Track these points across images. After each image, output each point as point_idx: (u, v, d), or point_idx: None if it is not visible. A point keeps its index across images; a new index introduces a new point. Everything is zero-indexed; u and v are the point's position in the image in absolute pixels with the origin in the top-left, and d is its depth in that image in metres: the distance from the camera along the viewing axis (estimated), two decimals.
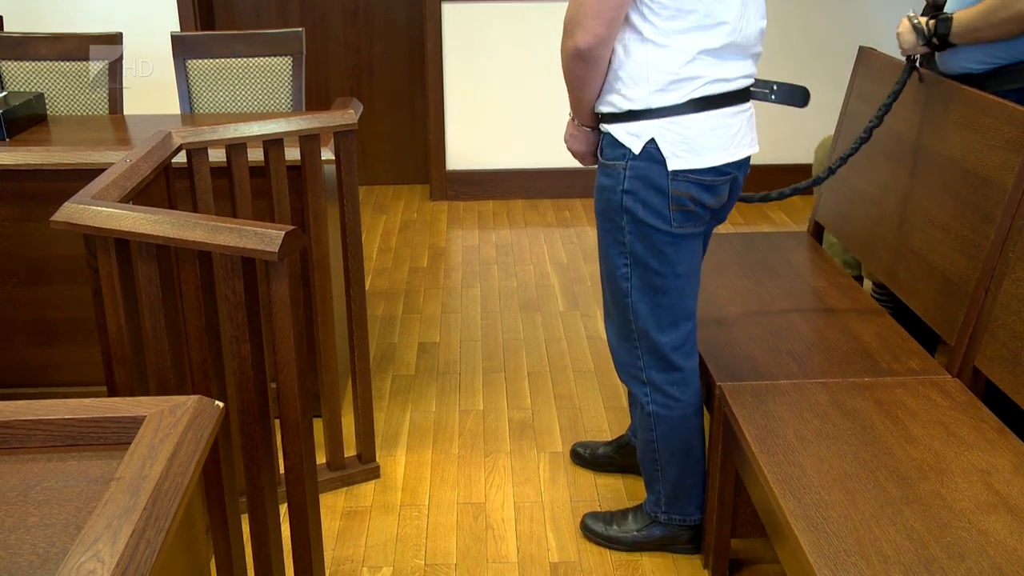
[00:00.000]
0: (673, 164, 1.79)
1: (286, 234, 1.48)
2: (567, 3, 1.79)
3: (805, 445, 1.70)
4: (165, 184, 2.11)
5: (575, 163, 4.16)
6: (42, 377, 2.67)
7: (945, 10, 2.16)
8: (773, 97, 1.90)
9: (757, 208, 4.37)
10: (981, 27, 2.06)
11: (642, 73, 1.77)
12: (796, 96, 1.92)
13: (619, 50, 1.79)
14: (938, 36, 2.13)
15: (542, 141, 4.45)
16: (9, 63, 3.19)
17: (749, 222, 4.21)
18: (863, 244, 2.40)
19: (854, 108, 2.57)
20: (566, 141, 2.03)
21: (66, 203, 1.65)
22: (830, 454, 1.67)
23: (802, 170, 4.50)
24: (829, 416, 1.79)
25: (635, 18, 1.75)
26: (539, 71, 4.39)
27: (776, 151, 4.52)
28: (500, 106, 4.46)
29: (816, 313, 2.23)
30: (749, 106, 1.87)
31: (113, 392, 1.67)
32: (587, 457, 2.51)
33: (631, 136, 1.81)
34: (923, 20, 2.17)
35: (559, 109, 4.35)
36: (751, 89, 1.87)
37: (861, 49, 2.57)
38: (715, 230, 2.16)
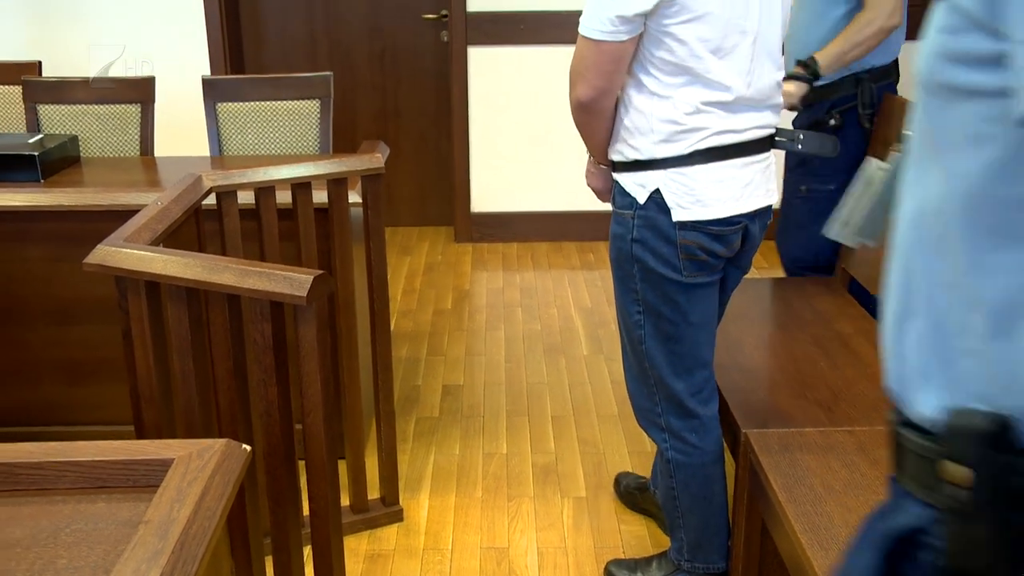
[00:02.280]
0: (678, 215, 1.78)
1: (314, 279, 1.49)
2: None
3: (832, 495, 1.68)
4: (195, 226, 2.14)
5: (599, 206, 4.19)
6: (70, 416, 2.69)
7: (799, 36, 2.46)
8: (800, 147, 1.89)
9: None
10: (848, 50, 2.37)
11: (646, 124, 1.78)
12: (824, 145, 1.92)
13: (624, 101, 1.81)
14: (812, 77, 2.38)
15: (566, 184, 4.47)
16: (46, 106, 3.25)
17: (774, 266, 4.19)
18: None
19: (879, 158, 2.57)
20: (585, 177, 2.06)
21: (99, 246, 1.68)
22: (858, 504, 1.65)
23: None
24: (857, 465, 1.77)
25: (638, 70, 1.77)
26: (564, 114, 4.41)
27: None
28: (525, 148, 4.49)
29: (843, 360, 2.21)
30: (766, 156, 1.84)
31: (141, 433, 1.68)
32: (621, 489, 2.52)
33: (637, 186, 1.82)
34: (797, 70, 2.39)
35: (584, 152, 4.38)
36: (776, 139, 1.86)
37: (885, 96, 2.58)
38: None
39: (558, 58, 4.33)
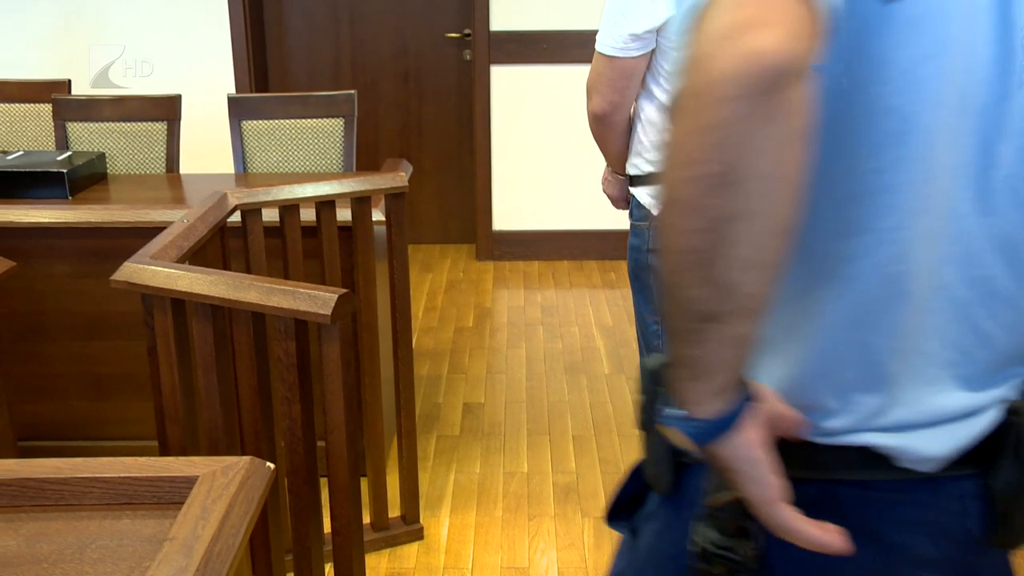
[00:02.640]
0: None
1: (339, 297, 1.50)
2: None
3: None
4: (220, 243, 2.16)
5: (621, 224, 4.17)
6: (94, 431, 2.71)
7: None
8: None
9: None
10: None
11: (659, 137, 1.77)
12: None
13: (639, 114, 1.84)
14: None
15: (588, 202, 4.48)
16: (75, 124, 3.29)
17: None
18: None
19: None
20: (602, 184, 2.10)
21: (126, 263, 1.70)
22: None
23: None
24: None
25: (652, 85, 1.81)
26: (586, 133, 4.43)
27: None
28: (547, 167, 4.50)
29: None
30: None
31: (165, 450, 1.69)
32: None
33: (653, 199, 1.81)
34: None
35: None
36: None
37: None
38: None
39: (580, 77, 4.35)
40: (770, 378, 0.84)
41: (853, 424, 0.84)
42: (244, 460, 1.18)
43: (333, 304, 1.49)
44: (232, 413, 1.73)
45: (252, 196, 2.18)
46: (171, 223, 2.47)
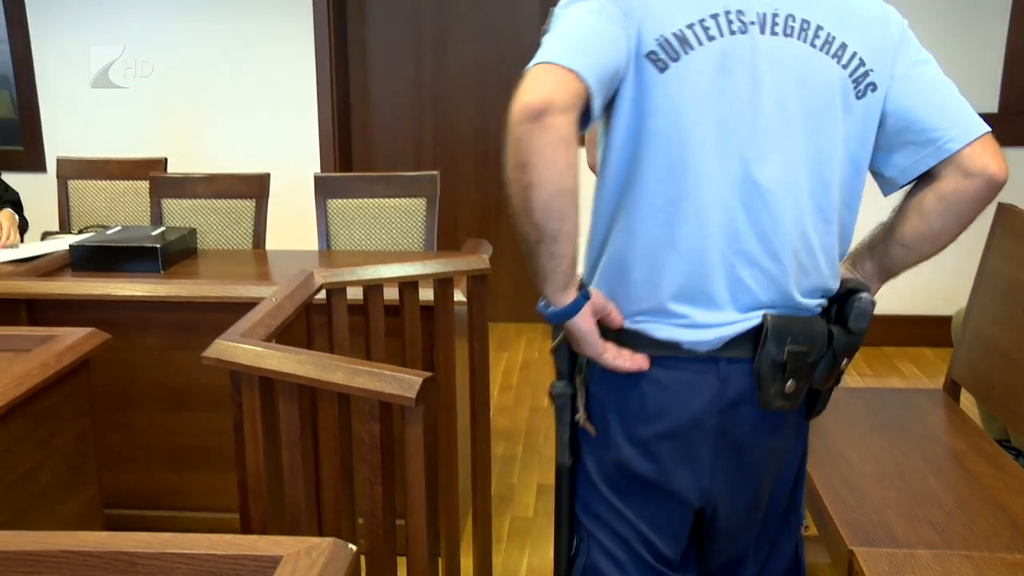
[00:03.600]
0: None
1: (424, 381, 1.52)
2: None
3: None
4: (306, 320, 2.21)
5: None
6: (177, 501, 2.76)
7: None
8: None
9: (887, 360, 4.26)
10: None
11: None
12: None
13: None
14: None
15: None
16: (169, 200, 3.42)
17: (878, 374, 4.09)
18: (1008, 409, 2.30)
19: (993, 268, 2.51)
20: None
21: (217, 340, 1.74)
22: None
23: (935, 322, 4.37)
24: None
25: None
26: None
27: (908, 302, 4.43)
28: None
29: (957, 478, 2.13)
30: None
31: (247, 526, 1.71)
32: None
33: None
34: None
35: None
36: None
37: (1000, 206, 2.53)
38: (844, 383, 2.12)
39: None
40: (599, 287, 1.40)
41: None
42: (327, 542, 1.19)
43: (418, 387, 1.51)
44: (314, 492, 1.75)
45: (337, 276, 2.22)
46: (257, 299, 2.53)
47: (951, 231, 1.43)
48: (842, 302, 1.41)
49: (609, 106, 1.32)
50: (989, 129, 1.37)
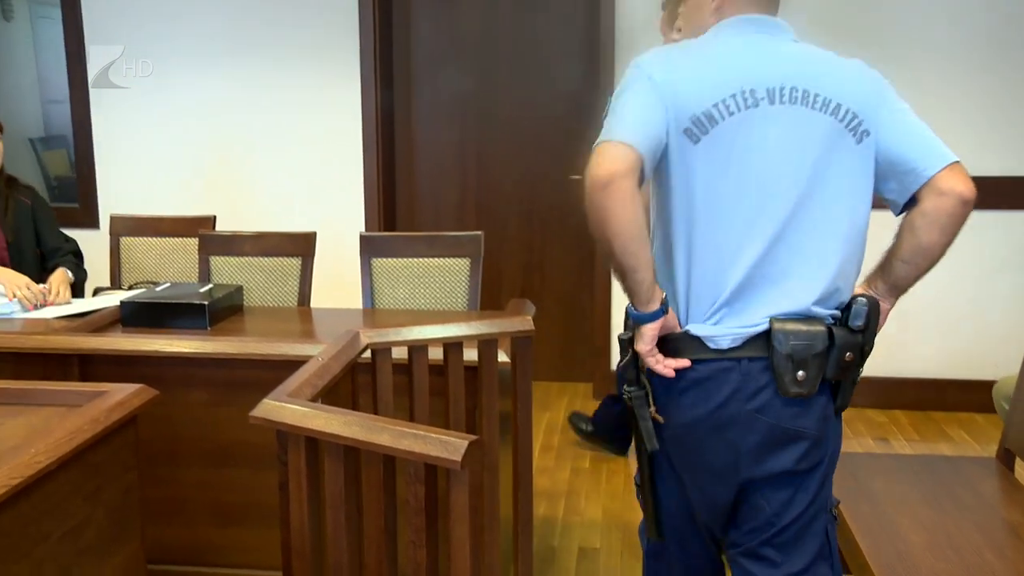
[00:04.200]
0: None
1: (469, 444, 1.52)
2: None
3: None
4: (351, 380, 2.22)
5: None
6: (219, 557, 2.76)
7: None
8: None
9: (935, 426, 4.18)
10: None
11: None
12: None
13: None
14: None
15: None
16: (217, 258, 3.48)
17: (926, 439, 4.01)
18: None
19: None
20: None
21: (264, 400, 1.76)
22: None
23: (985, 387, 4.29)
24: None
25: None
26: None
27: (956, 366, 4.36)
28: None
29: (1015, 553, 2.07)
30: None
31: None
32: None
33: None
34: None
35: None
36: None
37: None
38: (892, 448, 2.09)
39: None
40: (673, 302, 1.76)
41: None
42: None
43: (463, 450, 1.51)
44: (357, 553, 1.75)
45: (383, 336, 2.24)
46: (302, 357, 2.56)
47: (938, 243, 1.74)
48: (847, 309, 1.76)
49: (659, 169, 1.72)
50: (957, 159, 1.73)
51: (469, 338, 2.29)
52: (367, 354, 2.26)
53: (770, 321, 1.69)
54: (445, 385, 2.32)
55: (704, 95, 1.67)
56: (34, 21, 4.71)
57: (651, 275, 1.67)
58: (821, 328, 1.71)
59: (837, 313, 1.75)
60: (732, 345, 1.71)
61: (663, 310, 1.70)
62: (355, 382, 2.26)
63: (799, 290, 1.72)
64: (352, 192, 4.61)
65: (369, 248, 3.43)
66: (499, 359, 2.39)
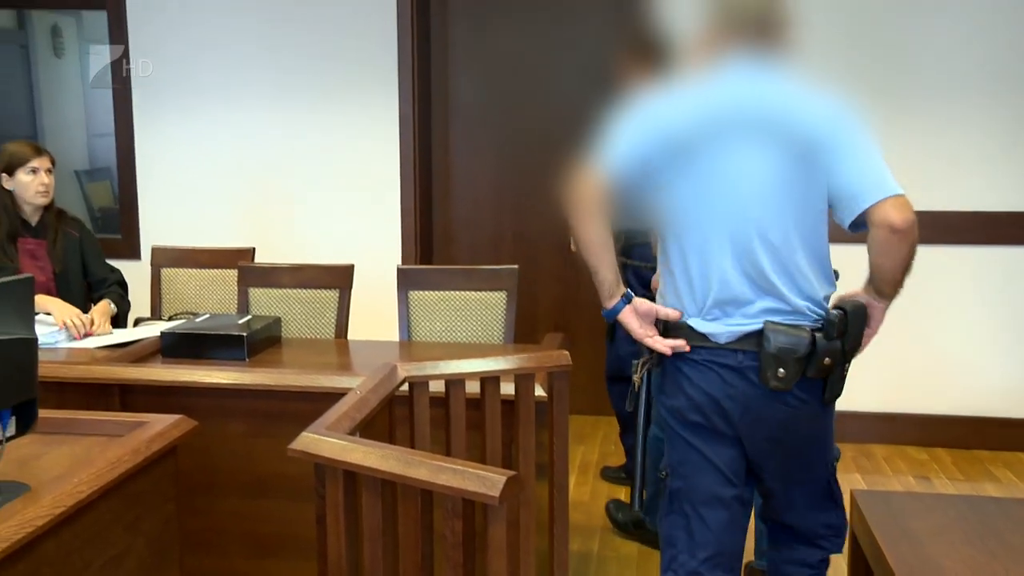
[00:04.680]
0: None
1: (507, 480, 1.52)
2: None
3: None
4: (388, 413, 2.23)
5: None
6: None
7: None
8: None
9: (979, 465, 4.11)
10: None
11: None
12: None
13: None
14: None
15: None
16: (256, 289, 3.51)
17: (970, 479, 3.95)
18: None
19: None
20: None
21: (303, 433, 1.77)
22: None
23: None
24: None
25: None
26: None
27: (1000, 403, 4.29)
28: None
29: None
30: None
31: None
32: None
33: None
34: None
35: None
36: None
37: None
38: (935, 487, 2.07)
39: None
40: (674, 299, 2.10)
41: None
42: None
43: (502, 486, 1.51)
44: None
45: (420, 369, 2.25)
46: (339, 389, 2.57)
47: (886, 265, 2.00)
48: (828, 315, 2.03)
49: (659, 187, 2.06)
50: (898, 191, 1.93)
51: (506, 372, 2.30)
52: (404, 387, 2.26)
53: (764, 323, 1.99)
54: (482, 419, 2.32)
55: (692, 124, 2.00)
56: (83, 57, 4.83)
57: (613, 275, 2.09)
58: (805, 335, 1.98)
59: (812, 307, 2.03)
60: (730, 340, 2.03)
61: (625, 301, 2.10)
62: (392, 415, 2.27)
63: (783, 287, 2.02)
64: (389, 225, 4.65)
65: (406, 281, 3.45)
66: (535, 393, 2.39)
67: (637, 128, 2.01)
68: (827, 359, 2.01)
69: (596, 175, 1.99)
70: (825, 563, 2.31)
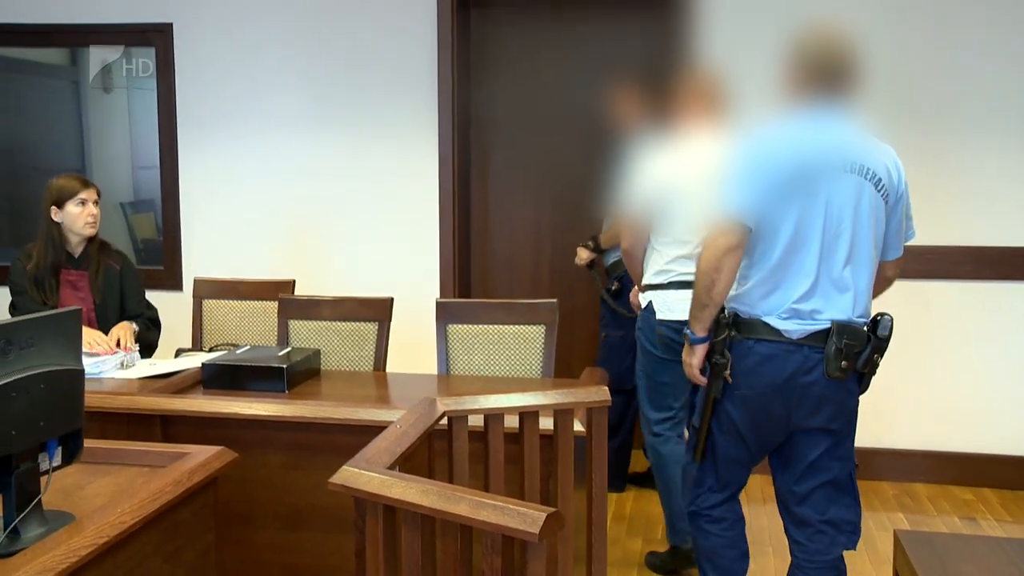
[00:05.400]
0: (659, 316, 3.19)
1: (548, 516, 1.51)
2: None
3: None
4: (427, 447, 2.23)
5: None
6: None
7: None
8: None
9: None
10: (614, 235, 3.83)
11: (648, 266, 3.25)
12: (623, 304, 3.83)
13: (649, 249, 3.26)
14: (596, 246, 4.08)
15: None
16: (296, 322, 3.54)
17: (1018, 520, 3.86)
18: None
19: None
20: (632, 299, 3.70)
21: (344, 467, 1.78)
22: None
23: None
24: None
25: (652, 233, 3.20)
26: None
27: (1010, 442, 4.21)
28: None
29: None
30: None
31: None
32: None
33: (644, 298, 3.27)
34: (588, 242, 4.10)
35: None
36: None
37: None
38: (981, 528, 2.01)
39: None
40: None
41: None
42: None
43: (542, 523, 1.50)
44: None
45: (460, 404, 2.25)
46: (378, 422, 2.58)
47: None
48: (875, 321, 2.46)
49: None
50: (901, 254, 2.58)
51: (545, 407, 2.29)
52: (443, 420, 2.26)
53: (832, 323, 2.38)
54: (520, 453, 2.31)
55: (793, 166, 2.39)
56: (130, 92, 4.93)
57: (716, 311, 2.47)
58: (863, 333, 2.41)
59: (867, 322, 2.45)
60: (801, 336, 2.42)
61: (709, 337, 2.50)
62: (431, 448, 2.27)
63: (849, 304, 2.44)
64: (428, 258, 4.67)
65: (445, 314, 3.46)
66: (574, 428, 2.38)
67: (754, 175, 2.39)
68: (876, 355, 2.44)
69: (735, 228, 2.38)
70: (842, 561, 2.61)
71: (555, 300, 3.42)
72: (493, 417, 2.27)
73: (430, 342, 3.54)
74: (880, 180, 2.40)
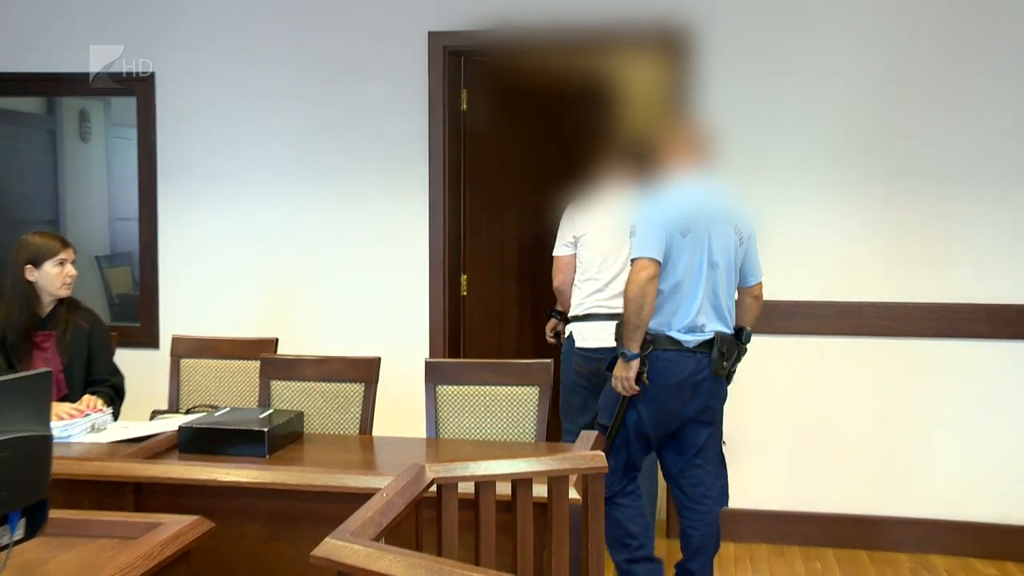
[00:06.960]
0: (577, 344, 3.82)
1: None
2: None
3: None
4: (415, 515, 2.10)
5: (828, 508, 3.94)
6: None
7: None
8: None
9: None
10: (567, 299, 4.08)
11: (572, 301, 3.89)
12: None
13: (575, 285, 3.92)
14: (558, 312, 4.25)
15: (803, 480, 4.23)
16: (278, 382, 3.41)
17: None
18: None
19: None
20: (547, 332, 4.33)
21: (327, 539, 1.65)
22: None
23: None
24: None
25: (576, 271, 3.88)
26: (812, 409, 4.26)
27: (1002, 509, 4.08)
28: (754, 448, 4.27)
29: None
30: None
31: None
32: None
33: (568, 329, 3.89)
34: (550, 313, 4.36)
35: (813, 447, 4.16)
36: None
37: None
38: None
39: (807, 349, 4.23)
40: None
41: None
42: None
43: None
44: None
45: (449, 470, 2.13)
46: (363, 489, 2.46)
47: (748, 320, 3.36)
48: (739, 331, 3.30)
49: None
50: (761, 278, 3.37)
51: (539, 474, 2.17)
52: (432, 488, 2.14)
53: (715, 334, 3.17)
54: (513, 522, 2.19)
55: (683, 221, 3.15)
56: (109, 141, 4.82)
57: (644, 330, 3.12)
58: (734, 341, 3.24)
59: (733, 332, 3.28)
60: (694, 345, 3.17)
61: (640, 352, 3.12)
62: (419, 518, 2.15)
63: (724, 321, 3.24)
64: (417, 317, 4.54)
65: (434, 375, 3.34)
66: (570, 495, 2.25)
67: (658, 224, 3.12)
68: (742, 357, 3.32)
69: (650, 264, 3.08)
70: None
71: (550, 361, 3.31)
72: (484, 484, 2.15)
73: (419, 404, 3.42)
74: (740, 228, 3.23)
